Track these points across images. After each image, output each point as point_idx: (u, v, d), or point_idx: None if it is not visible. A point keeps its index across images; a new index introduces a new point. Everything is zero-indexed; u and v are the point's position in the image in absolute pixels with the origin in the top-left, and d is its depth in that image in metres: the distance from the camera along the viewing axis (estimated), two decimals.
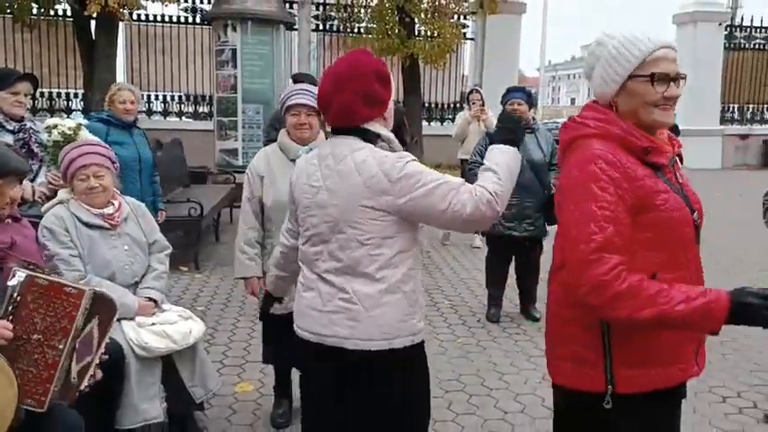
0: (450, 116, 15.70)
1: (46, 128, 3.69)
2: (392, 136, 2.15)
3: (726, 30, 17.76)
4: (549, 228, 5.21)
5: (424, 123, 14.91)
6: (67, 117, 9.97)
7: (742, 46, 18.16)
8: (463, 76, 17.03)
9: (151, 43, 14.46)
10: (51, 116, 12.15)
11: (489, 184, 2.03)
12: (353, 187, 2.05)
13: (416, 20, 13.26)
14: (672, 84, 1.78)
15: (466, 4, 14.37)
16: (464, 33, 15.15)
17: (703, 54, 16.88)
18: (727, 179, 14.74)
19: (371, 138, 2.11)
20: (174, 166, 8.16)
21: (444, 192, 2.01)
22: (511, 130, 2.17)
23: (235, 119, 10.26)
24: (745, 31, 18.18)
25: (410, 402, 2.22)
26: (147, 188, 5.03)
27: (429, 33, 13.87)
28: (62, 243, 2.90)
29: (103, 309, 2.19)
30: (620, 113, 1.83)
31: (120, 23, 11.84)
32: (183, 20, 14.43)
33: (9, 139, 3.61)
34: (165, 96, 14.61)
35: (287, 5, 13.31)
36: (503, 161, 2.08)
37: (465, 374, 4.26)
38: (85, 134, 3.73)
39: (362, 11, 14.55)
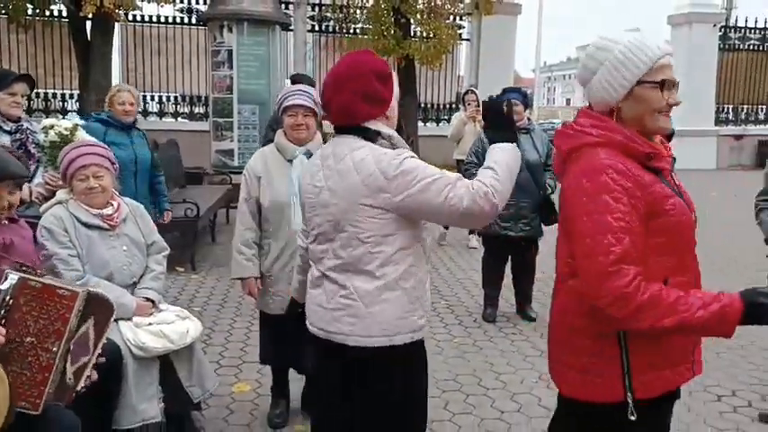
0: (445, 117, 15.72)
1: (42, 128, 3.68)
2: (394, 133, 2.16)
3: (720, 31, 17.82)
4: (544, 228, 5.24)
5: (420, 124, 14.91)
6: (63, 118, 9.95)
7: (736, 47, 18.22)
8: (459, 76, 17.05)
9: (147, 44, 14.45)
10: (47, 117, 12.13)
11: (487, 179, 2.04)
12: (352, 186, 2.07)
13: (412, 21, 13.27)
14: (673, 90, 1.80)
15: (461, 5, 14.39)
16: (460, 34, 15.18)
17: (698, 55, 16.94)
18: (721, 179, 14.79)
19: (372, 136, 2.12)
20: (170, 166, 8.12)
21: (441, 186, 2.01)
22: (497, 117, 2.16)
23: (231, 120, 10.25)
24: (740, 31, 18.24)
25: (411, 399, 2.24)
26: (143, 189, 5.02)
27: (425, 34, 13.88)
28: (61, 243, 2.90)
29: (99, 309, 2.19)
30: (622, 120, 1.82)
31: (116, 24, 11.83)
32: (178, 20, 14.41)
33: (6, 139, 3.62)
34: (160, 97, 14.59)
35: (283, 6, 13.30)
36: (501, 159, 2.09)
37: (462, 374, 4.28)
38: (82, 135, 3.73)
39: (358, 12, 14.56)
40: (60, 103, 14.10)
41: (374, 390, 2.19)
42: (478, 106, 7.95)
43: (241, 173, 3.42)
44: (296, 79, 5.98)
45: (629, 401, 1.78)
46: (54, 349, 2.06)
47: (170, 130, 12.08)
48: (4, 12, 11.80)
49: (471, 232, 7.93)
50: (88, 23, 11.30)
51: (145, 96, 14.21)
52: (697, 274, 1.88)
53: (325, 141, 3.37)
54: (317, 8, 15.07)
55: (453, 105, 15.60)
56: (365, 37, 13.37)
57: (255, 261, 3.29)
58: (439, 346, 4.73)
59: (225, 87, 10.21)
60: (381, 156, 2.06)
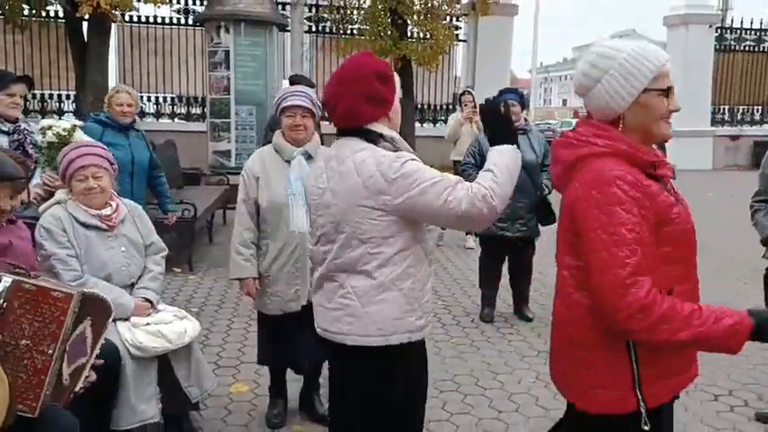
0: (442, 117, 15.73)
1: (40, 129, 3.69)
2: (396, 135, 2.18)
3: (716, 32, 17.87)
4: (541, 228, 5.25)
5: (417, 125, 14.92)
6: (59, 119, 9.93)
7: (732, 48, 18.28)
8: (455, 77, 17.06)
9: (143, 45, 14.44)
10: (43, 118, 12.10)
11: (486, 181, 2.05)
12: (353, 187, 2.08)
13: (409, 21, 13.29)
14: (673, 96, 1.80)
15: (458, 6, 14.41)
16: (456, 35, 15.19)
17: (694, 56, 16.99)
18: (717, 180, 14.83)
19: (374, 138, 2.14)
20: (167, 167, 8.08)
21: (440, 189, 2.03)
22: (495, 119, 2.17)
23: (228, 120, 10.26)
24: (736, 32, 18.30)
25: (412, 400, 2.25)
26: (139, 191, 5.02)
27: (421, 35, 13.91)
28: (59, 243, 2.91)
29: (96, 310, 2.18)
30: (626, 128, 1.80)
31: (113, 25, 11.80)
32: (175, 21, 14.40)
33: (4, 140, 3.62)
34: (157, 98, 14.58)
35: (279, 7, 13.31)
36: (500, 161, 2.09)
37: (459, 374, 4.28)
38: (80, 135, 3.73)
39: (355, 12, 14.57)
40: (57, 104, 14.07)
41: (373, 390, 2.20)
42: (475, 107, 7.97)
43: (238, 174, 3.43)
44: (294, 80, 5.98)
45: (643, 411, 1.78)
46: (49, 352, 2.05)
47: (167, 131, 12.08)
48: (0, 12, 11.76)
49: (468, 233, 7.94)
50: (85, 24, 11.27)
51: (141, 97, 14.15)
52: (697, 281, 1.88)
53: (323, 143, 3.40)
54: (313, 9, 15.07)
55: (450, 106, 15.61)
56: (362, 38, 13.38)
57: (254, 261, 3.30)
58: (437, 346, 4.74)
59: (222, 88, 10.22)
60: (382, 158, 2.07)
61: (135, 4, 11.67)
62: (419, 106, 15.95)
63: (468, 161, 5.31)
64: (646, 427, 1.78)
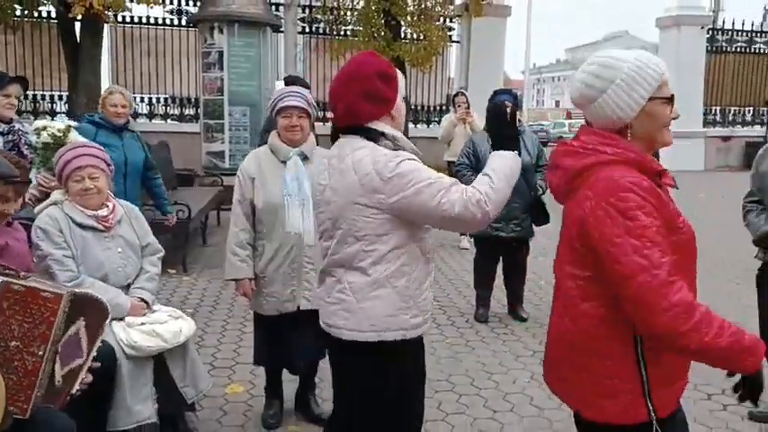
0: (436, 118, 15.75)
1: (35, 130, 3.69)
2: (398, 134, 2.20)
3: (708, 33, 17.97)
4: (535, 228, 5.27)
5: (411, 125, 14.94)
6: (52, 119, 9.88)
7: (724, 49, 18.38)
8: (449, 78, 17.09)
9: (136, 45, 14.39)
10: (35, 118, 12.05)
11: (481, 186, 2.07)
12: (350, 185, 2.11)
13: (402, 22, 13.29)
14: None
15: (452, 7, 14.43)
16: (450, 36, 15.22)
17: (686, 57, 17.07)
18: (709, 180, 14.90)
19: (374, 136, 2.16)
20: (161, 168, 8.08)
21: (434, 191, 2.04)
22: (500, 123, 2.19)
23: (221, 121, 10.24)
24: (727, 34, 18.41)
25: (406, 397, 2.26)
26: (133, 192, 5.00)
27: (415, 36, 13.91)
28: (56, 243, 2.91)
29: (90, 311, 2.16)
30: (633, 137, 1.80)
31: (105, 25, 11.77)
32: (168, 22, 14.37)
33: None
34: (150, 99, 14.54)
35: (273, 8, 13.30)
36: (499, 166, 2.11)
37: (454, 374, 4.30)
38: (75, 136, 3.73)
39: (348, 13, 14.57)
40: (49, 105, 14.02)
41: (368, 385, 2.24)
42: (468, 108, 8.00)
43: (232, 175, 3.43)
44: (289, 81, 5.98)
45: (654, 421, 1.77)
46: (40, 353, 2.04)
47: (160, 132, 12.05)
48: None
49: (463, 233, 7.95)
50: (77, 25, 11.25)
51: (135, 98, 14.11)
52: (696, 290, 1.86)
53: (317, 143, 3.41)
54: (307, 10, 15.07)
55: (443, 107, 15.63)
56: (355, 39, 13.38)
57: (249, 262, 3.30)
58: (432, 346, 4.75)
59: (216, 89, 10.21)
60: (379, 157, 2.09)
61: (128, 4, 11.64)
62: (413, 107, 15.96)
63: (462, 162, 5.33)
64: None
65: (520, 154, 2.18)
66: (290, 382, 3.68)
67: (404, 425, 2.34)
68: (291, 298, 3.28)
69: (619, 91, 1.76)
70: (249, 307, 3.57)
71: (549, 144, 27.16)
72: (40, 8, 12.81)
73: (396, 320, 2.17)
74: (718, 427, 3.64)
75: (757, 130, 18.45)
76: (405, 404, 2.30)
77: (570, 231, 1.84)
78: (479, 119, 7.61)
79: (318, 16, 14.99)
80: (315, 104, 3.46)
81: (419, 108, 16.32)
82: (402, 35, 13.79)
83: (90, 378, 2.20)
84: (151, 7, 12.08)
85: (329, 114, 12.93)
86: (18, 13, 12.09)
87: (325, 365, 3.71)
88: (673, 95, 1.80)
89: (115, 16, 12.22)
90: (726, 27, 18.51)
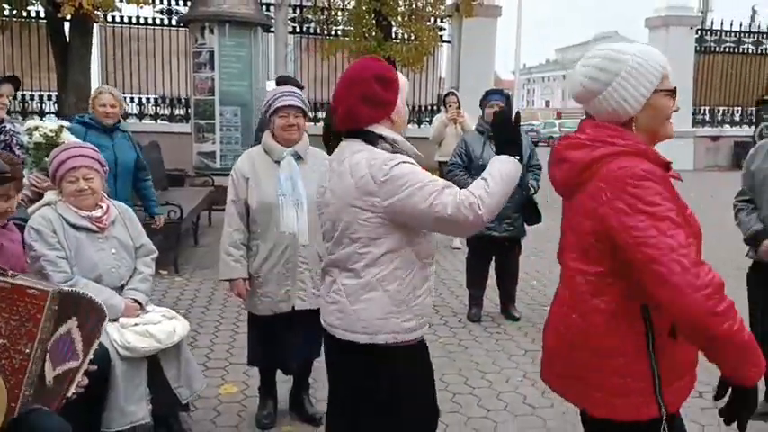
0: (427, 119, 15.75)
1: (27, 130, 3.67)
2: (398, 137, 2.21)
3: (697, 33, 18.08)
4: (527, 228, 5.29)
5: None
6: (40, 120, 9.81)
7: (712, 49, 18.49)
8: (440, 78, 17.11)
9: (126, 45, 14.32)
10: (24, 119, 11.99)
11: (476, 189, 2.07)
12: (347, 187, 2.13)
13: (393, 23, 13.29)
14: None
15: (442, 8, 14.44)
16: (440, 36, 15.23)
17: (675, 57, 17.08)
18: (698, 180, 14.96)
19: (373, 139, 2.18)
20: (152, 168, 8.05)
21: (426, 193, 2.05)
22: (505, 128, 2.19)
23: (212, 122, 10.22)
24: (716, 34, 18.52)
25: (397, 401, 2.26)
26: (123, 192, 4.98)
27: (406, 36, 13.91)
28: (49, 244, 2.90)
29: (83, 311, 2.15)
30: (638, 130, 1.80)
31: (95, 25, 11.71)
32: (158, 22, 14.31)
33: None
34: (140, 99, 14.47)
35: (264, 8, 13.27)
36: (497, 171, 2.12)
37: (448, 374, 4.31)
38: (67, 136, 3.72)
39: (339, 13, 14.57)
40: (38, 105, 13.92)
41: (359, 385, 2.27)
42: (459, 108, 8.01)
43: (223, 175, 3.43)
44: (282, 81, 5.98)
45: (664, 417, 1.77)
46: (26, 351, 2.02)
47: (150, 132, 12.00)
48: None
49: None
50: (66, 24, 11.18)
51: (125, 98, 14.02)
52: None
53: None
54: (298, 10, 15.05)
55: (434, 107, 15.65)
56: (346, 39, 13.38)
57: (244, 262, 3.30)
58: None
59: (206, 89, 10.18)
60: (374, 160, 2.11)
61: (117, 4, 11.59)
62: None
63: (454, 162, 5.34)
64: None
65: (521, 160, 2.18)
66: (283, 383, 3.68)
67: (396, 427, 2.33)
68: (286, 298, 3.28)
69: (624, 83, 1.76)
70: (243, 307, 3.56)
71: (540, 144, 27.22)
72: (28, 8, 12.73)
73: (387, 324, 2.18)
74: (710, 424, 3.66)
75: (746, 130, 18.56)
76: (395, 407, 2.29)
77: (582, 226, 1.81)
78: (470, 119, 7.63)
79: (309, 16, 14.96)
80: (308, 104, 3.46)
81: (410, 108, 16.28)
82: (393, 35, 13.79)
83: (86, 381, 2.19)
84: (141, 7, 12.02)
85: (320, 114, 12.95)
86: (6, 12, 12.00)
87: (318, 365, 3.72)
88: (675, 88, 1.80)
89: (105, 16, 12.14)
90: (714, 27, 18.62)
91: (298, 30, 15.15)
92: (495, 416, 3.75)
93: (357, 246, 2.15)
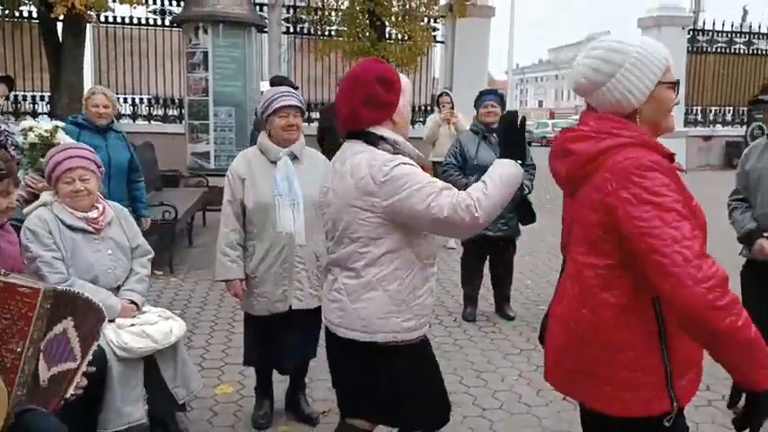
0: (420, 119, 15.71)
1: (21, 131, 3.66)
2: (400, 138, 2.24)
3: (689, 34, 18.16)
4: (522, 228, 5.31)
5: None
6: (33, 120, 9.73)
7: (704, 50, 18.56)
8: (433, 78, 17.12)
9: (119, 45, 14.27)
10: (16, 119, 11.94)
11: (474, 192, 2.10)
12: (347, 188, 2.16)
13: (387, 23, 13.30)
14: None
15: (436, 8, 14.46)
16: (434, 36, 15.24)
17: None
18: (691, 180, 14.70)
19: (374, 140, 2.21)
20: (146, 169, 8.06)
21: (424, 194, 2.08)
22: (510, 131, 2.20)
23: (206, 122, 10.20)
24: (707, 34, 18.60)
25: (397, 398, 2.27)
26: (117, 193, 4.97)
27: (400, 36, 13.92)
28: (45, 245, 2.89)
29: (80, 312, 2.14)
30: (642, 122, 1.79)
31: (88, 25, 11.67)
32: (151, 22, 14.27)
33: None
34: (133, 99, 14.43)
35: (257, 8, 13.26)
36: (497, 175, 2.13)
37: (443, 373, 4.26)
38: (62, 136, 3.71)
39: (333, 14, 14.56)
40: (31, 106, 13.86)
41: (360, 383, 2.30)
42: (453, 108, 8.03)
43: (217, 175, 3.44)
44: (276, 82, 5.98)
45: (675, 410, 1.75)
46: (18, 350, 2.00)
47: (143, 133, 11.97)
48: None
49: None
50: (59, 25, 11.14)
51: (118, 98, 13.97)
52: None
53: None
54: (291, 10, 15.03)
55: (428, 107, 15.66)
56: (340, 39, 13.38)
57: (240, 263, 3.29)
58: None
59: (200, 89, 10.16)
60: (374, 161, 2.14)
61: (110, 4, 11.55)
62: None
63: (449, 161, 5.35)
64: (667, 424, 1.75)
65: (524, 164, 2.19)
66: (280, 382, 3.68)
67: (396, 423, 2.37)
68: (283, 298, 3.28)
69: (629, 75, 1.75)
70: (240, 307, 3.56)
71: (533, 144, 27.27)
72: (21, 8, 12.67)
73: (387, 323, 2.20)
74: (704, 422, 3.69)
75: (737, 130, 18.66)
76: (396, 405, 2.31)
77: (588, 218, 1.78)
78: (464, 119, 7.64)
79: (303, 16, 14.94)
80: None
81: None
82: (387, 35, 13.80)
83: (85, 382, 2.19)
84: (134, 7, 12.01)
85: (314, 115, 12.94)
86: None
87: (314, 365, 3.74)
88: (678, 80, 1.81)
89: (98, 16, 12.09)
90: (706, 28, 18.70)
91: (291, 30, 15.13)
92: (491, 415, 3.76)
93: (357, 245, 2.18)
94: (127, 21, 14.09)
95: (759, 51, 18.80)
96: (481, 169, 5.00)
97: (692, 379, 1.84)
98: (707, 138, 18.61)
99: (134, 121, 14.19)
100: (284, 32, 14.31)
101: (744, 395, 1.71)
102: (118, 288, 3.13)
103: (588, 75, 1.81)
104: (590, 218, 1.77)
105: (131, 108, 14.41)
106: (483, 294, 5.66)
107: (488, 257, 5.50)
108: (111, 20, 13.81)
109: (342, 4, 14.12)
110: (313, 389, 3.85)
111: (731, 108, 19.12)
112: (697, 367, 1.87)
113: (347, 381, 2.37)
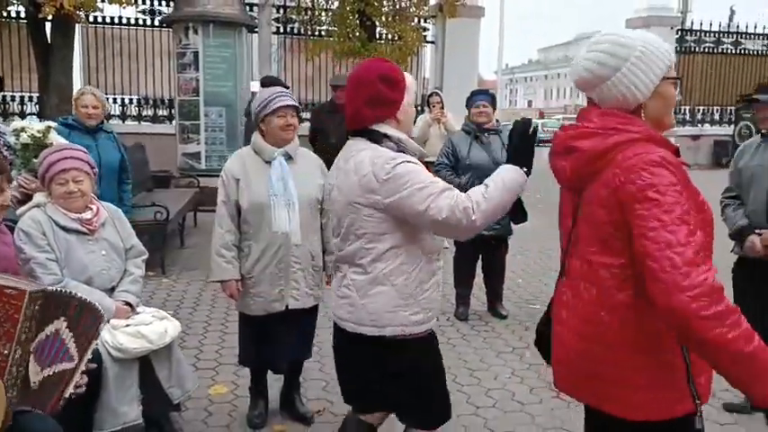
0: None
1: (14, 131, 3.64)
2: (403, 136, 2.27)
3: (677, 33, 18.28)
4: (513, 227, 5.33)
5: None
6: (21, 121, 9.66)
7: (692, 49, 18.69)
8: (424, 78, 17.15)
9: (108, 46, 14.20)
10: (5, 120, 11.87)
11: (475, 195, 2.13)
12: (351, 185, 2.20)
13: (377, 23, 13.31)
14: None
15: (426, 8, 14.49)
16: (424, 36, 15.27)
17: None
18: None
19: (377, 138, 2.24)
20: (136, 170, 8.02)
21: (425, 195, 2.11)
22: (520, 137, 2.20)
23: (197, 122, 10.17)
24: (695, 34, 18.73)
25: (405, 391, 2.32)
26: (108, 193, 4.95)
27: (390, 36, 13.95)
28: (39, 247, 2.88)
29: (70, 309, 2.12)
30: (645, 118, 1.76)
31: (77, 26, 11.60)
32: (141, 22, 14.21)
33: None
34: (123, 99, 14.36)
35: (247, 8, 13.23)
36: (499, 179, 2.15)
37: None
38: (55, 136, 3.70)
39: (323, 14, 14.55)
40: (19, 106, 13.77)
41: (366, 376, 2.35)
42: (443, 108, 8.04)
43: (208, 176, 3.44)
44: (267, 82, 5.97)
45: (699, 410, 1.71)
46: (5, 352, 1.95)
47: (133, 134, 11.92)
48: None
49: None
50: (48, 25, 11.07)
51: (107, 99, 13.89)
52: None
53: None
54: (281, 10, 15.01)
55: (419, 107, 15.68)
56: (330, 39, 13.38)
57: (236, 264, 3.29)
58: None
59: (191, 90, 10.13)
60: (377, 159, 2.16)
61: (99, 4, 11.49)
62: None
63: (441, 161, 5.37)
64: (699, 427, 1.71)
65: (529, 172, 2.18)
66: (274, 382, 3.68)
67: (403, 418, 2.42)
68: (279, 298, 3.28)
69: (634, 69, 1.72)
70: (235, 308, 3.56)
71: None
72: (9, 8, 12.59)
73: (395, 317, 2.25)
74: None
75: (725, 130, 18.81)
76: (405, 398, 2.37)
77: (598, 216, 1.75)
78: (454, 119, 7.66)
79: (293, 16, 14.93)
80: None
81: None
82: (377, 36, 13.82)
83: (85, 380, 2.18)
84: (123, 7, 11.95)
85: (306, 115, 12.96)
86: None
87: (309, 365, 3.74)
88: (681, 77, 1.81)
89: (87, 16, 12.01)
90: (694, 28, 18.84)
91: (282, 30, 15.12)
92: (485, 413, 3.78)
93: (363, 242, 2.22)
94: (116, 21, 14.02)
95: (746, 51, 18.96)
96: (473, 169, 5.08)
97: (708, 377, 1.79)
98: (695, 137, 18.74)
99: (123, 122, 14.12)
100: (275, 32, 14.30)
101: None
102: (112, 289, 3.13)
103: (593, 69, 1.77)
104: (600, 215, 1.74)
105: (121, 109, 14.34)
106: (475, 293, 5.68)
107: (481, 257, 5.52)
108: (100, 20, 13.73)
109: (332, 4, 14.12)
110: (307, 388, 3.85)
111: (719, 107, 19.25)
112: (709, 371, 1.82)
113: (355, 375, 2.41)
